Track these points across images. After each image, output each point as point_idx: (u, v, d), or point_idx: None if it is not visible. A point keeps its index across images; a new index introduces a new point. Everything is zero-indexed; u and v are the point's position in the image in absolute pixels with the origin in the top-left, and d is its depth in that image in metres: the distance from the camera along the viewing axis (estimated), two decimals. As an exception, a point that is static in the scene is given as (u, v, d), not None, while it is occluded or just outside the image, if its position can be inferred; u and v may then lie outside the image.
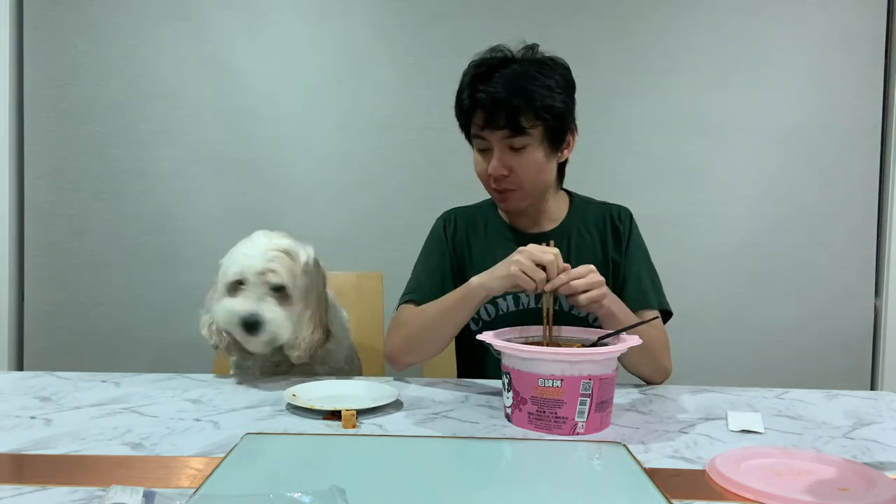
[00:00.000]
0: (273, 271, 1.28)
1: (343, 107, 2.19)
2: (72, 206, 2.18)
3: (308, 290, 1.35)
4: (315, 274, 1.38)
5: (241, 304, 1.27)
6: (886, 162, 2.22)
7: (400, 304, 1.47)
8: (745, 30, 2.19)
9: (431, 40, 2.18)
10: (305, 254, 1.36)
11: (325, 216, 2.19)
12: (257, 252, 1.29)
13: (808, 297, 2.22)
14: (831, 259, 2.22)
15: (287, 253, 1.32)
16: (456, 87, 2.15)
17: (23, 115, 2.17)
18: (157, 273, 2.19)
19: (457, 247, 1.51)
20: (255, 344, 1.30)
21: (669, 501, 0.79)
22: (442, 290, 1.46)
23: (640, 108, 2.18)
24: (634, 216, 1.50)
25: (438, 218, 1.56)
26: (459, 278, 1.49)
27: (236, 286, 1.29)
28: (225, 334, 1.33)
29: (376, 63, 2.18)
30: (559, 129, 1.34)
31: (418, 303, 1.44)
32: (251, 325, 1.26)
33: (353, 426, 1.05)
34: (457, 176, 2.17)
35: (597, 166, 2.09)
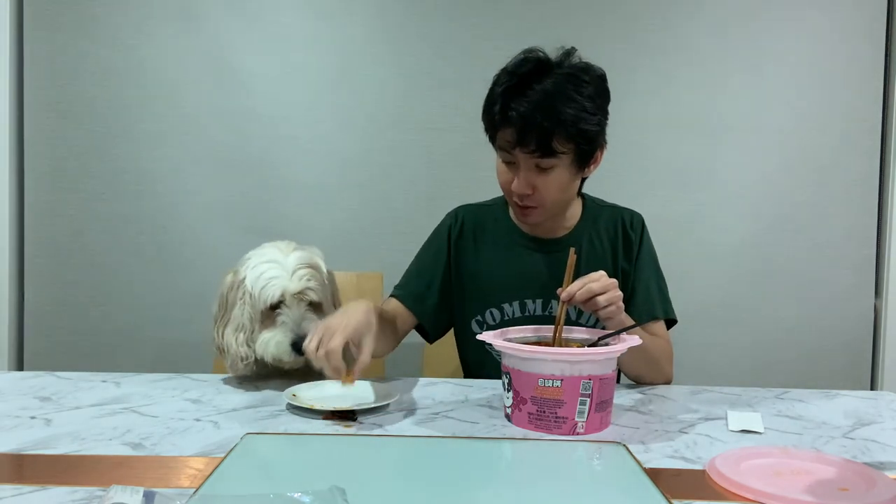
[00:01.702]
0: (311, 289, 1.28)
1: (343, 106, 2.19)
2: (72, 206, 2.18)
3: (333, 296, 1.38)
4: (331, 278, 1.39)
5: (285, 332, 1.26)
6: (886, 162, 2.22)
7: (390, 295, 1.50)
8: (745, 30, 2.18)
9: (432, 40, 2.18)
10: (322, 261, 1.36)
11: (325, 216, 2.19)
12: (287, 272, 1.28)
13: (808, 297, 2.22)
14: (831, 259, 2.22)
15: (313, 266, 1.31)
16: (456, 86, 2.17)
17: (23, 115, 2.17)
18: (157, 273, 2.19)
19: (460, 248, 1.50)
20: (298, 362, 1.28)
21: (669, 501, 0.79)
22: (428, 289, 1.48)
23: (640, 108, 2.18)
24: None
25: (448, 214, 1.55)
26: (456, 279, 1.50)
27: (272, 309, 1.28)
28: (254, 357, 1.30)
29: (376, 62, 2.18)
30: (590, 151, 1.31)
31: (401, 298, 1.47)
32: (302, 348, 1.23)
33: (352, 382, 1.11)
34: (457, 176, 2.17)
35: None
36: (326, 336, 1.09)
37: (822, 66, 2.19)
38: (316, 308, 1.30)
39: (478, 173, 2.15)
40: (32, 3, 2.15)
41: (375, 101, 2.18)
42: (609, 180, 2.12)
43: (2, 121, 2.14)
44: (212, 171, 2.18)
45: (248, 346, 1.29)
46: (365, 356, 1.12)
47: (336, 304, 1.39)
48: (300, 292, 1.27)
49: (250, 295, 1.28)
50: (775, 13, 2.18)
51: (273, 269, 1.28)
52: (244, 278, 1.29)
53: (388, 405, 1.15)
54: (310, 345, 1.10)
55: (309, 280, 1.29)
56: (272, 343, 1.26)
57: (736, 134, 2.20)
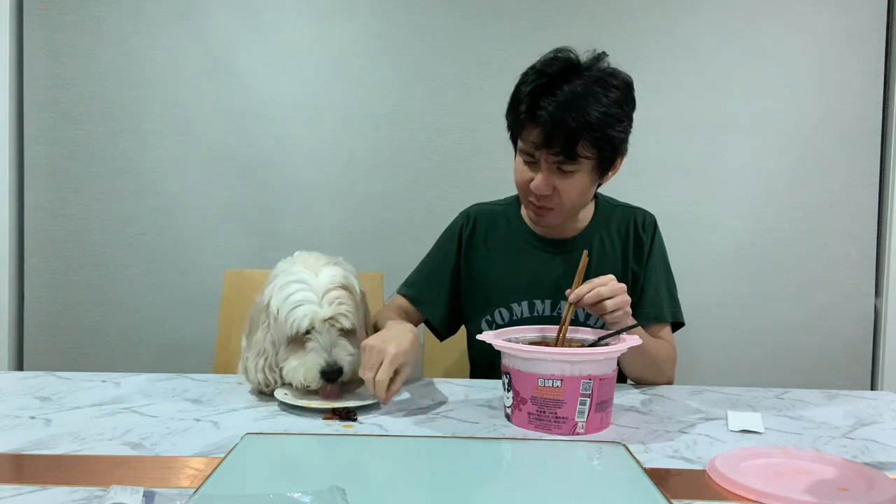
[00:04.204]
0: (343, 315, 1.18)
1: (343, 107, 2.19)
2: (72, 206, 2.17)
3: (365, 317, 1.29)
4: (364, 299, 1.29)
5: (315, 360, 1.16)
6: (886, 162, 2.22)
7: (396, 292, 1.49)
8: (745, 30, 2.18)
9: (431, 40, 2.18)
10: (358, 282, 1.26)
11: (325, 216, 2.19)
12: (317, 294, 1.17)
13: (808, 297, 2.22)
14: (831, 259, 2.22)
15: (347, 288, 1.21)
16: (456, 86, 2.17)
17: (23, 115, 2.17)
18: (156, 273, 2.19)
19: (470, 247, 1.50)
20: (331, 387, 1.19)
21: (669, 501, 0.79)
22: (437, 290, 1.47)
23: (640, 108, 2.15)
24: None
25: (460, 214, 1.55)
26: (466, 279, 1.49)
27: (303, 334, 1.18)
28: (277, 384, 1.23)
29: (376, 63, 2.18)
30: (612, 158, 1.31)
31: (409, 297, 1.47)
32: (332, 376, 1.16)
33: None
34: (457, 176, 2.17)
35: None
36: (375, 359, 1.11)
37: (822, 66, 2.19)
38: (347, 333, 1.20)
39: (478, 173, 2.15)
40: (32, 3, 2.15)
41: (375, 101, 2.18)
42: (609, 180, 2.13)
43: (2, 121, 2.14)
44: (212, 171, 2.18)
45: (270, 371, 1.20)
46: (397, 385, 1.13)
47: (367, 326, 1.29)
48: (331, 318, 1.17)
49: (275, 319, 1.18)
50: (776, 13, 2.18)
51: (301, 291, 1.17)
52: (269, 301, 1.20)
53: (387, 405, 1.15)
54: (366, 373, 1.12)
55: (341, 304, 1.18)
56: (301, 371, 1.16)
57: (736, 134, 2.20)
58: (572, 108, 1.22)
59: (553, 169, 1.28)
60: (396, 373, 1.12)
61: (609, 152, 1.28)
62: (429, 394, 1.26)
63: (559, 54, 1.29)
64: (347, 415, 1.10)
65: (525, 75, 1.30)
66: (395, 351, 1.12)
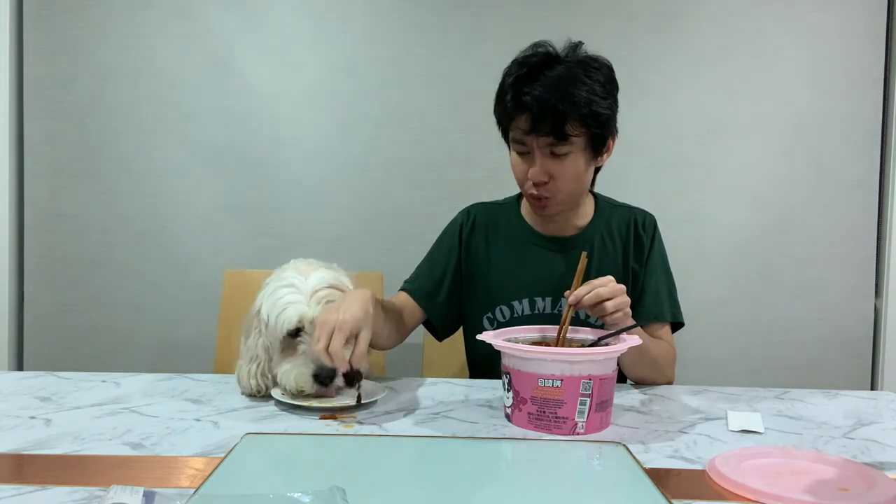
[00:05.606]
0: None
1: (343, 107, 2.19)
2: (72, 206, 2.18)
3: None
4: None
5: (306, 363, 1.15)
6: (886, 162, 2.22)
7: (399, 289, 1.49)
8: (745, 29, 2.18)
9: (431, 40, 2.18)
10: (348, 280, 1.27)
11: (325, 216, 2.19)
12: (305, 296, 1.18)
13: (808, 297, 2.22)
14: (831, 259, 2.22)
15: (334, 286, 1.22)
16: (457, 86, 2.17)
17: (23, 115, 2.17)
18: (157, 273, 2.19)
19: (471, 247, 1.50)
20: (326, 390, 1.18)
21: (669, 501, 0.79)
22: (439, 286, 1.47)
23: (640, 107, 2.18)
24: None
25: (460, 212, 1.55)
26: (467, 276, 1.50)
27: (293, 336, 1.19)
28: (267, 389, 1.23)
29: (376, 63, 2.18)
30: (602, 137, 1.32)
31: (411, 292, 1.47)
32: (326, 379, 1.15)
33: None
34: (457, 176, 2.17)
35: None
36: (325, 335, 1.07)
37: (822, 66, 2.19)
38: None
39: (478, 173, 2.15)
40: (32, 3, 2.15)
41: (375, 100, 2.18)
42: (609, 180, 2.12)
43: (2, 121, 2.14)
44: (212, 171, 2.18)
45: (262, 377, 1.21)
46: (361, 347, 1.10)
47: None
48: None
49: (266, 324, 1.19)
50: (775, 13, 2.18)
51: (290, 294, 1.18)
52: (260, 307, 1.21)
53: (388, 405, 1.15)
54: (317, 345, 1.08)
55: (329, 303, 1.18)
56: (293, 375, 1.16)
57: (736, 134, 2.20)
58: (556, 90, 1.25)
59: (546, 153, 1.30)
60: (356, 337, 1.09)
61: (598, 129, 1.30)
62: (429, 394, 1.26)
63: (538, 49, 1.32)
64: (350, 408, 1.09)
65: (508, 69, 1.34)
66: (342, 318, 1.08)
